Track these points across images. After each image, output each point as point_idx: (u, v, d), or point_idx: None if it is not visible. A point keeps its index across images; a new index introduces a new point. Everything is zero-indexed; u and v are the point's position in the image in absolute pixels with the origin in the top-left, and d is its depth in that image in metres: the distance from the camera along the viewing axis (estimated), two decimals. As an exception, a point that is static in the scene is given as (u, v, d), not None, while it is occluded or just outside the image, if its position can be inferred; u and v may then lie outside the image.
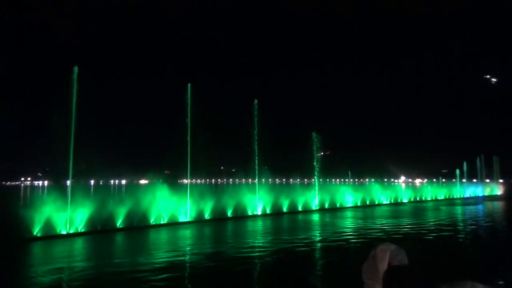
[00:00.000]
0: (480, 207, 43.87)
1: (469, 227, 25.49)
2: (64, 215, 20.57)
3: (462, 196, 66.33)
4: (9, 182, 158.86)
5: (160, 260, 14.51)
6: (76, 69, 22.42)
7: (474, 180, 77.30)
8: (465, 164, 72.80)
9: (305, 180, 45.91)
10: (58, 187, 22.75)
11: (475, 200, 57.60)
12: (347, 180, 46.67)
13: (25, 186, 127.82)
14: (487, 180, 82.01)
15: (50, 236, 19.54)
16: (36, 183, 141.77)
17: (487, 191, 76.11)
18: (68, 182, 21.78)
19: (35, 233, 19.24)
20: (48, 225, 19.96)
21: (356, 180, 51.00)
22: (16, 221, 19.98)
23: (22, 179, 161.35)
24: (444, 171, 71.53)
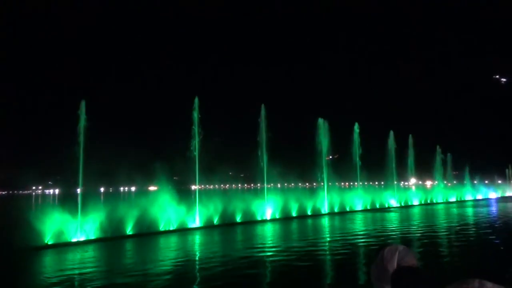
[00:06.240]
0: (493, 208, 43.24)
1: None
2: (74, 222, 20.75)
3: (473, 198, 65.45)
4: (21, 191, 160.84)
5: (170, 265, 14.54)
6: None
7: (486, 182, 76.36)
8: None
9: (314, 184, 45.76)
10: (68, 195, 23.03)
11: (487, 202, 56.80)
12: (355, 183, 46.40)
13: (37, 195, 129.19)
14: (499, 182, 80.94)
15: (61, 243, 19.70)
16: (47, 191, 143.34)
17: (499, 192, 75.06)
18: (78, 190, 21.98)
19: (46, 241, 19.41)
20: (59, 232, 20.13)
21: (365, 183, 50.51)
22: (28, 229, 20.17)
23: (33, 187, 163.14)
24: (454, 172, 70.60)
